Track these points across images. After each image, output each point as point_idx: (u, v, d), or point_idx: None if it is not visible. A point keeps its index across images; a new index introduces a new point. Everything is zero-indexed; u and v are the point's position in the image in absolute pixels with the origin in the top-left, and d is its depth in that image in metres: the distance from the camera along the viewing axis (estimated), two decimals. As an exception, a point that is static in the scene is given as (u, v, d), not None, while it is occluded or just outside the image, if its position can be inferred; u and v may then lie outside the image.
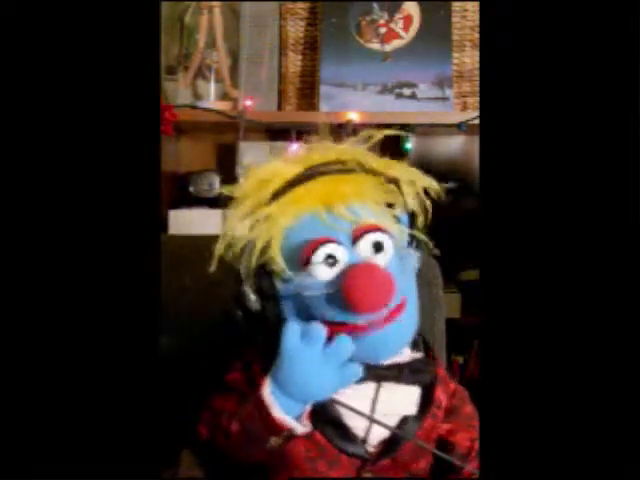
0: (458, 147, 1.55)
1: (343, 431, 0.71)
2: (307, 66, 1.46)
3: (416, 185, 0.73)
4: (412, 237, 0.74)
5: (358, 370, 0.63)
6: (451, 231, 1.48)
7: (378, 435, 0.72)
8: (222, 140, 1.54)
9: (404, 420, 0.72)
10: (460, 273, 1.48)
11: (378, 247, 0.69)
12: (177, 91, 1.46)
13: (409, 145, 1.41)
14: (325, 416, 0.70)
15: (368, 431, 0.71)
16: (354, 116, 1.33)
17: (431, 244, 0.76)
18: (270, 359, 0.69)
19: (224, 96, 1.45)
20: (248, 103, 1.37)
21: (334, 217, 0.69)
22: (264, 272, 0.69)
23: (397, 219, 0.72)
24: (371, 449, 0.71)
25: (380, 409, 0.71)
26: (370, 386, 0.71)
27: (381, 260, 0.69)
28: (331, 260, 0.67)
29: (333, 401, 0.69)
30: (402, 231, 0.72)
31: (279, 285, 0.69)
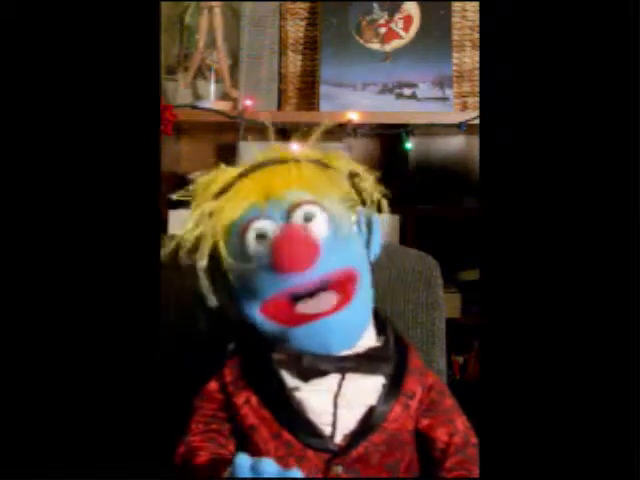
0: (458, 147, 1.55)
1: (308, 427, 0.71)
2: (307, 66, 1.46)
3: (361, 178, 0.74)
4: (369, 225, 0.75)
5: None
6: (451, 231, 1.48)
7: (345, 427, 0.72)
8: (222, 140, 1.54)
9: (371, 410, 0.72)
10: (460, 273, 1.48)
11: (308, 217, 0.70)
12: (177, 91, 1.46)
13: (409, 145, 1.41)
14: (289, 413, 0.71)
15: (334, 424, 0.71)
16: (354, 116, 1.33)
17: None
18: (245, 355, 0.73)
19: (224, 96, 1.45)
20: (248, 103, 1.37)
21: (273, 201, 0.71)
22: (217, 267, 0.71)
23: (339, 202, 0.73)
24: (339, 442, 0.71)
25: (343, 402, 0.71)
26: (334, 378, 0.71)
27: (311, 227, 0.69)
28: (261, 234, 0.69)
29: (295, 399, 0.70)
30: (345, 214, 0.73)
31: (229, 272, 0.71)
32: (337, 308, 0.69)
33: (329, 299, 0.69)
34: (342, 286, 0.69)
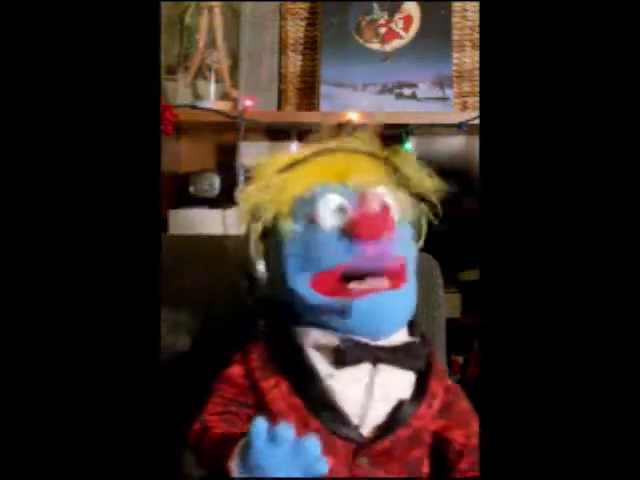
0: (458, 147, 1.55)
1: (338, 415, 0.71)
2: (307, 66, 1.46)
3: (427, 183, 0.78)
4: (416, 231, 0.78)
5: (325, 468, 0.62)
6: (451, 231, 1.48)
7: (373, 419, 0.71)
8: (222, 140, 1.53)
9: (400, 404, 0.72)
10: (460, 273, 1.48)
11: (382, 203, 0.73)
12: (177, 91, 1.46)
13: (409, 145, 1.41)
14: (320, 401, 0.70)
15: (363, 415, 0.71)
16: (354, 116, 1.33)
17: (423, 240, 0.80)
18: (274, 339, 0.74)
19: (224, 96, 1.45)
20: (248, 103, 1.37)
21: (345, 186, 0.73)
22: (271, 237, 0.74)
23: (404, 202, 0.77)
24: (366, 433, 0.71)
25: (375, 394, 0.71)
26: (366, 368, 0.71)
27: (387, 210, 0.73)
28: (340, 208, 0.72)
29: (327, 387, 0.70)
30: (407, 214, 0.77)
31: (286, 243, 0.73)
32: (391, 287, 0.71)
33: (381, 282, 0.71)
34: (394, 273, 0.72)
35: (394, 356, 0.72)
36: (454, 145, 1.55)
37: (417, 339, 0.76)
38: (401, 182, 0.77)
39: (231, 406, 0.74)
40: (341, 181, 0.74)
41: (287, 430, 0.60)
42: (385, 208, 0.72)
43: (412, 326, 0.77)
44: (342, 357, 0.71)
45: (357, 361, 0.71)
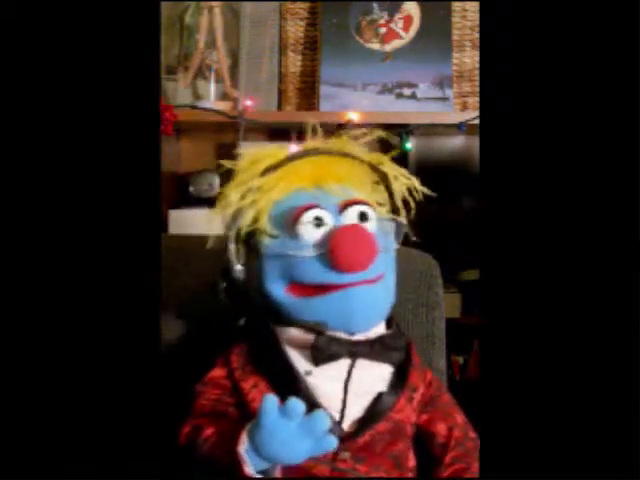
0: (458, 147, 1.55)
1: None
2: (307, 66, 1.46)
3: (401, 182, 0.78)
4: (397, 229, 0.78)
5: (334, 441, 0.63)
6: (451, 231, 1.48)
7: (353, 414, 0.72)
8: (222, 140, 1.53)
9: (379, 397, 0.73)
10: (460, 273, 1.48)
11: (364, 217, 0.73)
12: (177, 91, 1.46)
13: (409, 145, 1.41)
14: (299, 398, 0.70)
15: (343, 410, 0.72)
16: (354, 116, 1.33)
17: (411, 234, 0.80)
18: (253, 339, 0.74)
19: (224, 96, 1.45)
20: (248, 103, 1.37)
21: (322, 191, 0.73)
22: (250, 240, 0.73)
23: (381, 205, 0.77)
24: (347, 428, 0.72)
25: (353, 389, 0.72)
26: (344, 363, 0.72)
27: (367, 227, 0.72)
28: (318, 222, 0.71)
29: (305, 384, 0.71)
30: (385, 217, 0.76)
31: (264, 249, 0.73)
32: (367, 282, 0.71)
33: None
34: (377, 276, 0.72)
35: (371, 350, 0.73)
36: (454, 145, 1.55)
37: (393, 331, 0.77)
38: (382, 183, 0.77)
39: (218, 406, 0.75)
40: (320, 186, 0.74)
41: (297, 405, 0.61)
42: (368, 237, 0.70)
43: (390, 322, 0.78)
44: (319, 354, 0.71)
45: (334, 357, 0.71)
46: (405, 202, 0.78)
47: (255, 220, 0.72)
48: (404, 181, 0.77)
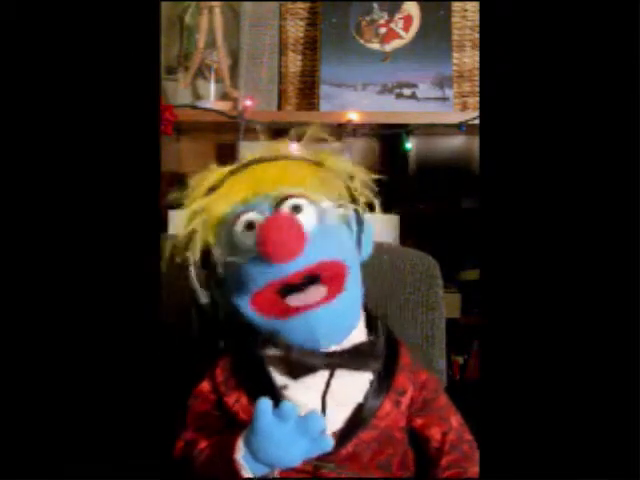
0: (458, 147, 1.55)
1: None
2: (307, 66, 1.46)
3: (355, 177, 0.75)
4: (359, 228, 0.75)
5: (330, 441, 0.63)
6: (451, 231, 1.48)
7: (333, 425, 0.71)
8: (222, 140, 1.53)
9: (359, 407, 0.72)
10: (460, 273, 1.48)
11: (297, 209, 0.70)
12: (177, 91, 1.46)
13: (409, 145, 1.41)
14: None
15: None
16: (354, 116, 1.33)
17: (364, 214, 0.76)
18: (235, 353, 0.74)
19: (224, 96, 1.45)
20: (248, 103, 1.37)
21: (261, 197, 0.71)
22: (209, 263, 0.72)
23: (327, 198, 0.73)
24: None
25: (332, 400, 0.71)
26: (323, 376, 0.71)
27: (299, 218, 0.69)
28: (250, 226, 0.69)
29: (283, 398, 0.70)
30: (333, 209, 0.73)
31: (220, 271, 0.72)
32: (325, 300, 0.69)
33: (318, 292, 0.68)
34: (331, 279, 0.69)
35: (348, 360, 0.72)
36: (454, 145, 1.56)
37: (372, 337, 0.75)
38: (333, 184, 0.74)
39: (208, 419, 0.75)
40: (261, 194, 0.71)
41: (291, 407, 0.61)
42: (291, 221, 0.67)
43: (373, 324, 0.76)
44: (294, 369, 0.71)
45: (311, 370, 0.71)
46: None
47: (206, 242, 0.72)
48: (358, 177, 0.75)
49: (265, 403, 0.61)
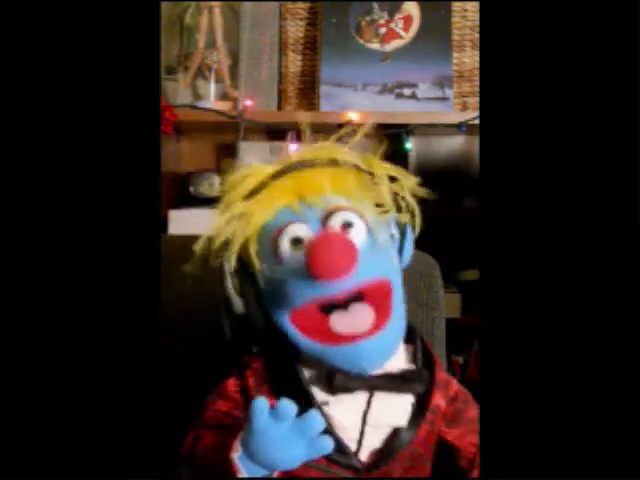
0: (458, 147, 1.55)
1: (335, 442, 0.66)
2: (307, 66, 1.47)
3: (399, 183, 0.73)
4: (401, 236, 0.73)
5: (329, 444, 0.61)
6: (451, 231, 1.48)
7: (371, 445, 0.70)
8: (222, 140, 1.54)
9: (398, 431, 0.70)
10: (460, 273, 1.48)
11: (348, 225, 0.68)
12: (177, 91, 1.46)
13: (409, 145, 1.41)
14: None
15: (360, 441, 0.70)
16: (354, 116, 1.33)
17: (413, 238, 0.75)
18: (266, 362, 0.71)
19: (224, 96, 1.45)
20: (248, 103, 1.37)
21: (306, 205, 0.69)
22: (246, 271, 0.70)
23: (377, 209, 0.71)
24: (364, 459, 0.70)
25: (371, 420, 0.70)
26: (362, 396, 0.70)
27: (350, 235, 0.67)
28: (296, 242, 0.67)
29: (323, 413, 0.67)
30: (382, 222, 0.71)
31: (259, 281, 0.69)
32: (374, 330, 0.66)
33: (365, 316, 0.66)
34: (378, 300, 0.67)
35: (392, 384, 0.70)
36: (454, 145, 1.56)
37: (411, 355, 0.74)
38: (380, 193, 0.71)
39: (225, 419, 0.73)
40: (303, 200, 0.69)
41: (288, 406, 0.59)
42: (343, 240, 0.64)
43: (410, 334, 0.74)
44: (335, 387, 0.69)
45: (350, 390, 0.69)
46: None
47: (245, 249, 0.69)
48: (405, 182, 0.72)
49: (261, 402, 0.60)
